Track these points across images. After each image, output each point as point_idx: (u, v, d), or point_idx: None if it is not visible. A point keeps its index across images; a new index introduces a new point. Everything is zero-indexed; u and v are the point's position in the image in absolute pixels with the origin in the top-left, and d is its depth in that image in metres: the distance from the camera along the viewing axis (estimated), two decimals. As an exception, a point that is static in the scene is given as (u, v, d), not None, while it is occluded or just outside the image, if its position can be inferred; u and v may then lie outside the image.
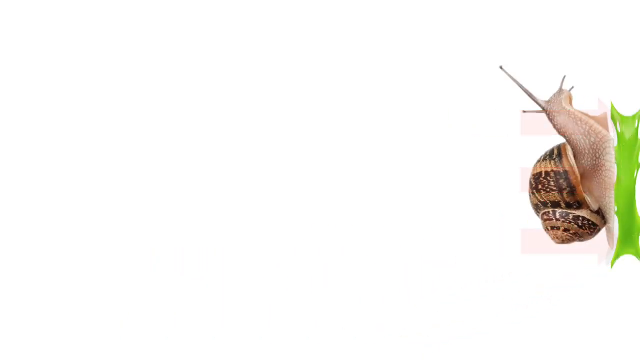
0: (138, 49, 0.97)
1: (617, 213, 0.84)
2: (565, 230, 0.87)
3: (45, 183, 0.97)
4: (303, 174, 0.96)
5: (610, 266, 0.86)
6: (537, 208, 0.88)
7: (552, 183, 0.86)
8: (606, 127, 0.86)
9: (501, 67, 0.88)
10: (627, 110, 0.86)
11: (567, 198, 0.86)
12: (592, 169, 0.86)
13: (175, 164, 0.97)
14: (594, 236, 0.88)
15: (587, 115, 0.86)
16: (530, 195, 0.88)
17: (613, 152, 0.84)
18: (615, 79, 0.91)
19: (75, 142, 0.97)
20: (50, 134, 0.97)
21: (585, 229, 0.87)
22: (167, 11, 0.97)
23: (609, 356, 0.87)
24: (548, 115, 0.87)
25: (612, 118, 0.86)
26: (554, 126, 0.87)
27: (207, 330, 0.92)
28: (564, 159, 0.86)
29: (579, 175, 0.86)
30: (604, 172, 0.85)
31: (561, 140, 0.88)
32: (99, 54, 0.97)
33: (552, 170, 0.86)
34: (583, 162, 0.86)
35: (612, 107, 0.86)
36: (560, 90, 0.87)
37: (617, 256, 0.85)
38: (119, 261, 0.95)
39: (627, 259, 0.86)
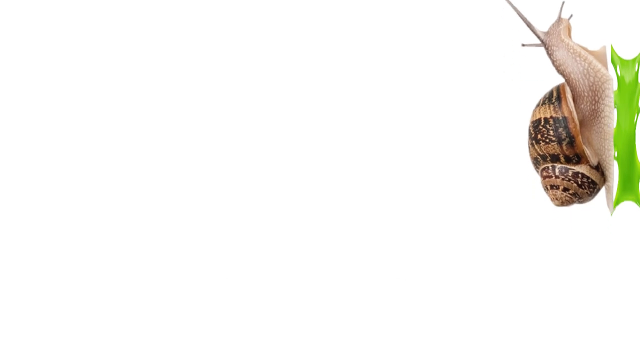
0: (138, 49, 0.97)
1: (617, 158, 0.81)
2: (565, 189, 0.82)
3: (45, 183, 0.96)
4: (305, 175, 0.96)
5: (610, 213, 0.83)
6: (536, 162, 0.84)
7: (551, 132, 0.82)
8: (605, 64, 0.82)
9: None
10: (626, 54, 0.84)
11: (566, 150, 0.82)
12: (590, 115, 0.81)
13: (175, 164, 0.97)
14: (593, 197, 0.83)
15: (585, 49, 0.81)
16: (529, 148, 0.84)
17: (612, 95, 0.80)
18: (614, 22, 0.88)
19: (75, 142, 0.97)
20: (49, 134, 0.97)
21: (585, 188, 0.82)
22: (166, 11, 0.97)
23: (610, 303, 0.88)
24: (547, 49, 0.82)
25: (612, 62, 0.83)
26: (553, 62, 0.82)
27: (207, 330, 0.93)
28: (563, 103, 0.82)
29: (577, 123, 0.81)
30: (602, 120, 0.81)
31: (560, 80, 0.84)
32: (99, 54, 0.97)
33: (551, 117, 0.82)
34: (582, 106, 0.81)
35: (612, 51, 0.83)
36: (559, 20, 0.82)
37: (617, 202, 0.82)
38: (118, 261, 0.95)
39: (627, 205, 0.84)
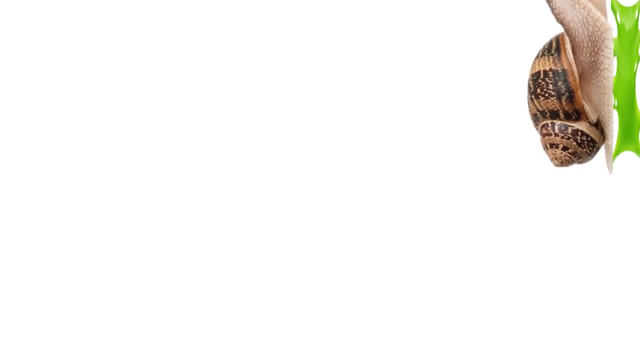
0: (138, 49, 0.97)
1: (617, 108, 0.80)
2: (564, 148, 0.80)
3: (45, 183, 0.97)
4: (304, 175, 0.96)
5: (610, 164, 0.82)
6: (535, 119, 0.81)
7: (550, 86, 0.79)
8: (604, 12, 0.78)
9: None
10: (626, 1, 0.81)
11: (565, 106, 0.79)
12: (590, 68, 0.78)
13: (175, 164, 0.97)
14: (592, 156, 0.81)
15: None
16: (529, 103, 0.80)
17: (611, 46, 0.76)
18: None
19: (75, 142, 0.97)
20: (50, 134, 0.97)
21: (584, 147, 0.79)
22: (167, 11, 0.97)
23: (611, 259, 0.89)
24: None
25: (612, 9, 0.81)
26: (552, 10, 0.78)
27: (207, 330, 0.93)
28: (563, 55, 0.78)
29: (577, 76, 0.78)
30: (602, 73, 0.77)
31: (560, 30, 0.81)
32: (99, 54, 0.97)
33: (550, 69, 0.79)
34: (581, 58, 0.78)
35: None
36: None
37: (616, 153, 0.81)
38: (118, 261, 0.95)
39: (627, 155, 0.83)
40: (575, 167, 0.86)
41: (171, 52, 0.97)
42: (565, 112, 0.80)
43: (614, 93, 0.78)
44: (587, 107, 0.79)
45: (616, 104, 0.79)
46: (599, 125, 0.80)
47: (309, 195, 0.96)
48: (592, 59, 0.79)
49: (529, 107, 0.81)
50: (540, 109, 0.80)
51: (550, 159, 0.81)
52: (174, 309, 0.94)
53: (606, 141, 0.80)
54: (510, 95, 0.88)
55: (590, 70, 0.79)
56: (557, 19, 0.79)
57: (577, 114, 0.80)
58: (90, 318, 0.94)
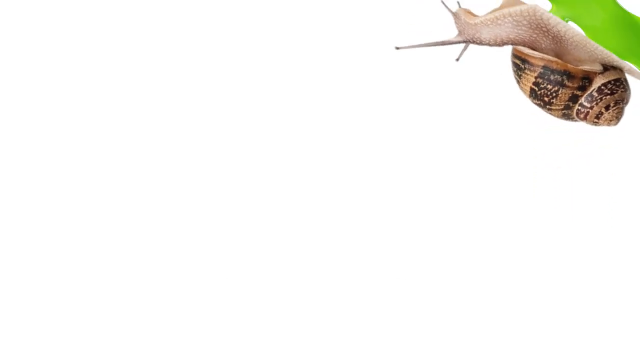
0: (137, 50, 0.97)
1: (612, 50, 0.78)
2: (607, 107, 0.79)
3: (45, 183, 0.97)
4: (304, 175, 0.96)
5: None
6: (568, 116, 0.80)
7: (549, 86, 0.78)
8: (519, 2, 0.79)
9: (397, 48, 0.79)
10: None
11: (573, 85, 0.78)
12: (556, 44, 0.78)
13: (175, 164, 0.97)
14: (628, 91, 0.80)
15: (495, 10, 0.78)
16: (552, 114, 0.80)
17: (552, 15, 0.77)
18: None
19: (75, 143, 0.97)
20: (50, 134, 0.97)
21: (616, 90, 0.79)
22: (166, 11, 0.97)
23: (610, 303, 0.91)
24: (472, 42, 0.79)
25: None
26: (488, 44, 0.78)
27: (207, 330, 0.93)
28: (531, 60, 0.78)
29: (556, 58, 0.78)
30: (566, 36, 0.77)
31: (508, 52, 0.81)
32: (99, 54, 0.97)
33: (536, 78, 0.78)
34: (544, 45, 0.78)
35: None
36: (454, 14, 0.79)
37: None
38: (117, 261, 0.95)
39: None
40: (575, 167, 0.92)
41: (171, 52, 0.97)
42: (577, 88, 0.79)
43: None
44: (586, 66, 0.79)
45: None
46: (607, 67, 0.79)
47: (307, 194, 0.96)
48: (551, 36, 0.78)
49: (555, 115, 0.81)
50: (562, 106, 0.79)
51: (607, 125, 0.80)
52: (173, 309, 0.94)
53: (624, 68, 0.79)
54: (510, 95, 0.86)
55: (558, 44, 0.79)
56: (498, 45, 0.79)
57: (587, 79, 0.79)
58: (90, 318, 0.94)
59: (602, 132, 0.92)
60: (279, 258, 0.95)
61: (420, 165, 0.95)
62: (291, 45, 0.97)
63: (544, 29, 0.77)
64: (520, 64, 0.79)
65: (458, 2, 0.80)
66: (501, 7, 0.78)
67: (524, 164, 0.92)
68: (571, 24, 0.78)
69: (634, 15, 0.80)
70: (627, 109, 0.86)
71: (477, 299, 0.92)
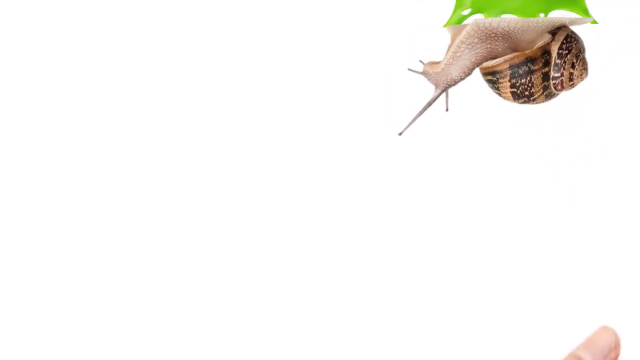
0: (138, 49, 0.97)
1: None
2: (572, 66, 0.86)
3: (45, 183, 0.97)
4: (303, 175, 0.96)
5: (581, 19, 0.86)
6: (551, 96, 0.87)
7: (522, 80, 0.85)
8: (462, 28, 0.86)
9: (399, 133, 0.88)
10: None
11: (538, 65, 0.85)
12: (508, 40, 0.85)
13: (175, 164, 0.97)
14: (580, 40, 0.87)
15: (449, 47, 0.86)
16: (539, 101, 0.87)
17: (489, 18, 0.84)
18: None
19: (75, 142, 0.97)
20: (50, 134, 0.97)
21: (571, 46, 0.86)
22: (166, 11, 0.97)
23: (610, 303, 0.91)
24: (449, 85, 0.86)
25: (451, 21, 0.87)
26: (461, 79, 0.86)
27: (207, 330, 0.93)
28: (497, 68, 0.86)
29: (517, 53, 0.85)
30: (511, 27, 0.84)
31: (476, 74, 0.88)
32: (98, 54, 0.97)
33: (509, 80, 0.86)
34: (500, 49, 0.85)
35: (449, 20, 0.87)
36: (423, 74, 0.86)
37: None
38: (117, 261, 0.95)
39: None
40: (575, 167, 0.92)
41: (171, 52, 0.97)
42: (543, 65, 0.86)
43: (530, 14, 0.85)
44: (539, 43, 0.86)
45: (543, 15, 0.86)
46: (554, 31, 0.87)
47: (307, 195, 0.96)
48: (500, 37, 0.85)
49: (541, 101, 0.87)
50: (541, 91, 0.86)
51: (582, 79, 0.88)
52: (174, 309, 0.94)
53: (565, 23, 0.87)
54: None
55: (509, 40, 0.86)
56: (469, 74, 0.87)
57: (546, 54, 0.86)
58: (90, 318, 0.94)
59: (602, 132, 0.93)
60: (278, 258, 0.95)
61: (421, 166, 0.95)
62: (291, 46, 0.97)
63: (491, 34, 0.84)
64: (492, 78, 0.86)
65: (421, 61, 0.87)
66: (452, 41, 0.86)
67: (524, 164, 0.92)
68: (505, 16, 0.85)
69: None
70: (627, 109, 0.87)
71: (477, 298, 0.92)
